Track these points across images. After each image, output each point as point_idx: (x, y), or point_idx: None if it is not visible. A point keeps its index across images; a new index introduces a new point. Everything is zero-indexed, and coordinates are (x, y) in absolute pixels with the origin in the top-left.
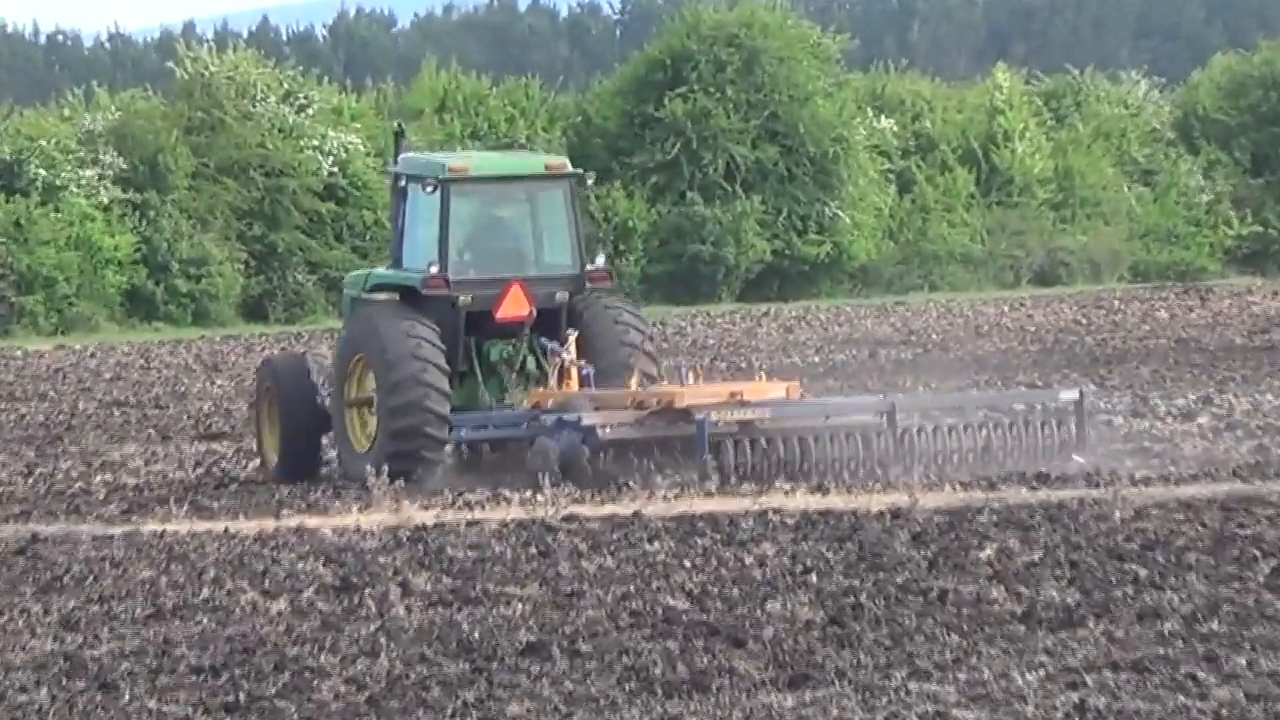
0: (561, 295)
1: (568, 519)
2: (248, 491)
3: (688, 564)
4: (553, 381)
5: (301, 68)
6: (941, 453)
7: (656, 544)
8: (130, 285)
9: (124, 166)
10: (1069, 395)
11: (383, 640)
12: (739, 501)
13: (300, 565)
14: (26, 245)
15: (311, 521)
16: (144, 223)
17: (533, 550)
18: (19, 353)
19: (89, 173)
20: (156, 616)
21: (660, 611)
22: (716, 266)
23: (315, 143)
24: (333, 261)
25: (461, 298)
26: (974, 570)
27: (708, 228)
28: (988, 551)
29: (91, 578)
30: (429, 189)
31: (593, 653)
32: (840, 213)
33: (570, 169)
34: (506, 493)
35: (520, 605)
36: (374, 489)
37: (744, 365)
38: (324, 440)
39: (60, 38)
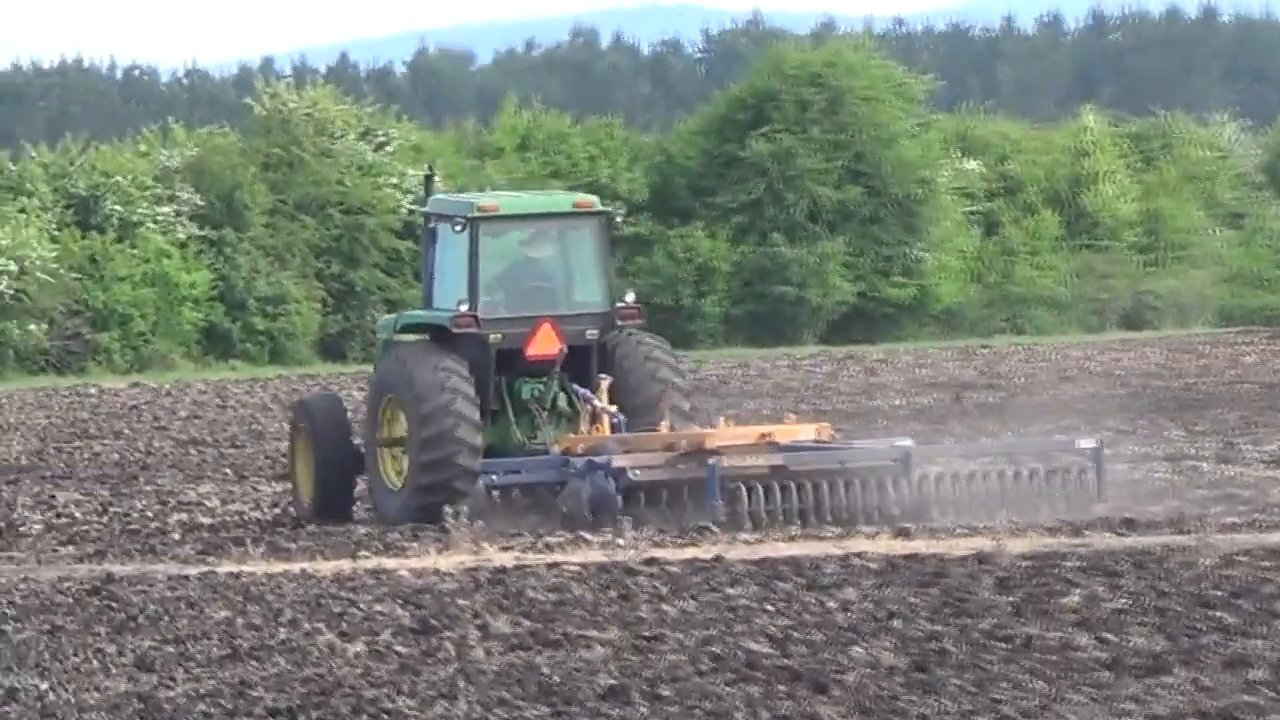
0: (592, 333)
1: (648, 562)
2: (325, 532)
3: (770, 608)
4: (584, 427)
5: (380, 104)
6: (957, 500)
7: (738, 588)
8: (207, 323)
9: (200, 203)
10: (1087, 444)
11: (461, 683)
12: (821, 545)
13: (378, 607)
14: (102, 282)
15: (389, 563)
16: (221, 260)
17: (613, 593)
18: (94, 390)
19: (165, 209)
20: (232, 658)
21: (742, 656)
22: (800, 308)
23: (394, 180)
24: (411, 300)
25: (492, 336)
26: (1060, 617)
27: (791, 269)
28: (1074, 597)
29: (166, 618)
30: (458, 228)
31: (674, 697)
32: (925, 255)
33: (599, 207)
34: (587, 535)
35: (600, 649)
36: (453, 530)
37: (827, 409)
38: (357, 481)
39: (137, 73)
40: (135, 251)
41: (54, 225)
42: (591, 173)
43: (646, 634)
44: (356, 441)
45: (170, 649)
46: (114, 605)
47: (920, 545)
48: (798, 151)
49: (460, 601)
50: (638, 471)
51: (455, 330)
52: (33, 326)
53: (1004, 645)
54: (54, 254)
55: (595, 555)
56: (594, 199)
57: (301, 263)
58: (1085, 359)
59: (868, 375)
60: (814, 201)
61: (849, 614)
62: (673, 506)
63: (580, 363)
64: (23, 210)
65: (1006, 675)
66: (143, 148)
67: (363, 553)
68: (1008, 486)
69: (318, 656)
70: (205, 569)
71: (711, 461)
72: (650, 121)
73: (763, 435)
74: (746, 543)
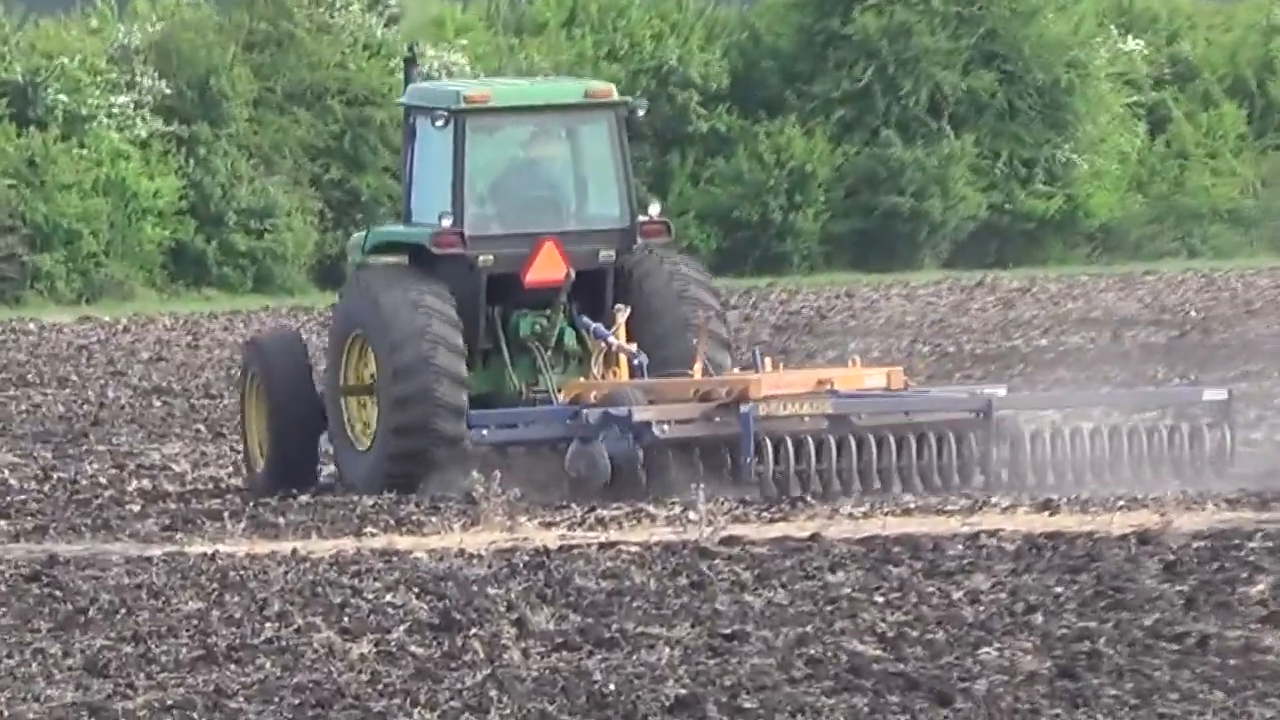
0: (607, 254)
1: (727, 541)
2: (322, 504)
3: (879, 600)
4: (596, 371)
5: None
6: (1049, 462)
7: (840, 574)
8: (174, 241)
9: (167, 91)
10: (1216, 395)
11: (492, 693)
12: (945, 521)
13: (388, 597)
14: (43, 190)
15: (403, 542)
16: (192, 163)
17: (683, 581)
18: (33, 326)
19: (123, 99)
20: (206, 660)
21: (845, 659)
22: (918, 224)
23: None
24: None
25: (481, 258)
26: (1242, 611)
27: (907, 175)
28: (1259, 587)
29: (124, 611)
30: (440, 123)
31: (759, 710)
32: (1075, 157)
33: (616, 96)
34: (651, 509)
35: (667, 650)
36: (482, 501)
37: (952, 349)
38: (323, 440)
39: None
40: (84, 152)
41: None
42: (657, 54)
43: (725, 631)
44: (321, 390)
45: (129, 649)
46: (58, 594)
47: (1067, 521)
48: (916, 28)
49: (491, 590)
50: (665, 427)
51: (435, 251)
52: None
53: (1172, 646)
54: None
55: (661, 533)
56: (610, 86)
57: (294, 166)
58: (1276, 288)
59: (1003, 308)
60: (936, 91)
61: (978, 607)
62: (709, 469)
63: (593, 291)
64: None
65: (1175, 683)
66: (94, 23)
67: (369, 529)
68: (1118, 446)
69: (313, 659)
70: (172, 549)
71: (745, 409)
72: None
73: (820, 381)
74: (851, 517)
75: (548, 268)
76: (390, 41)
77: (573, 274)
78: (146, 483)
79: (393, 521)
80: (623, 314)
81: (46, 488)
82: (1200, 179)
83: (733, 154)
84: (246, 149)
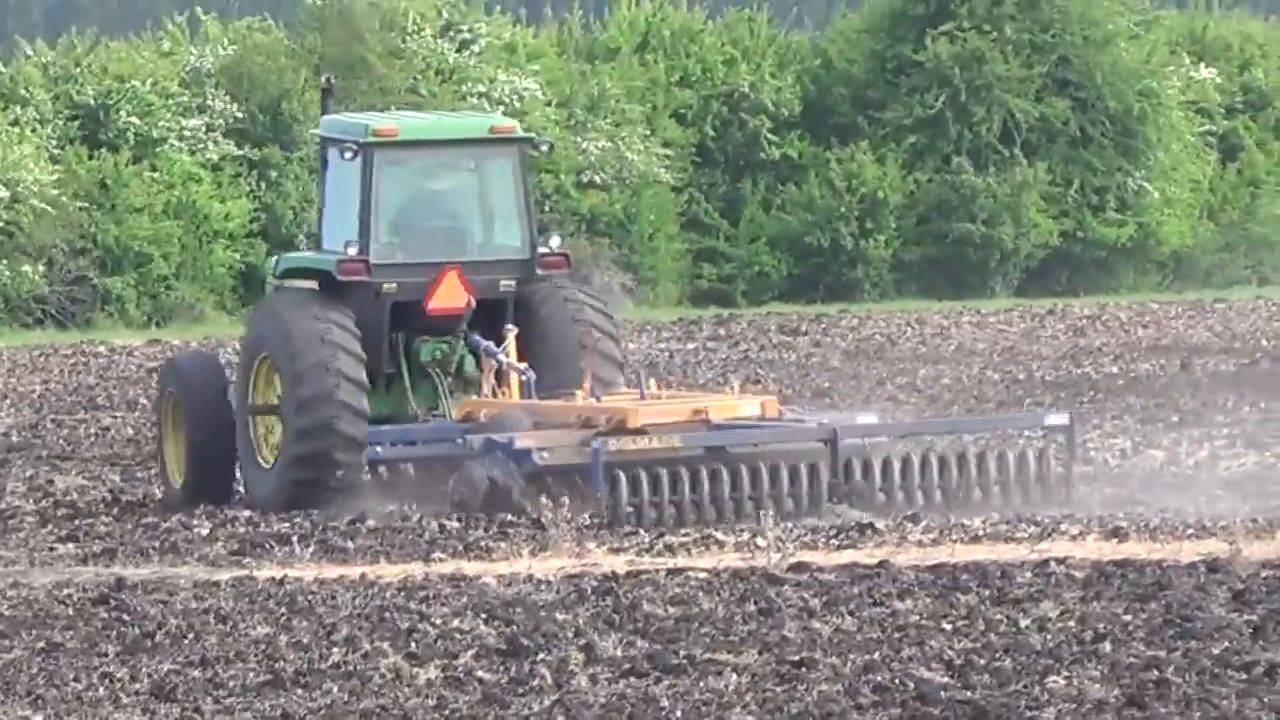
0: (507, 284)
1: (795, 568)
2: (390, 529)
3: (947, 627)
4: (486, 389)
5: None
6: (889, 490)
7: (908, 601)
8: (245, 265)
9: (239, 115)
10: (1057, 420)
11: (560, 718)
12: (1014, 549)
13: (456, 622)
14: (114, 213)
15: (471, 567)
16: (263, 186)
17: (751, 607)
18: (103, 349)
19: (194, 122)
20: (274, 685)
21: (912, 687)
22: (989, 251)
23: (481, 88)
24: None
25: (386, 285)
26: None
27: (979, 202)
28: None
29: (191, 635)
30: (348, 155)
31: None
32: (1147, 185)
33: (520, 132)
34: (718, 534)
35: (735, 677)
36: (550, 526)
37: (1022, 376)
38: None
39: None
40: (156, 175)
41: (54, 142)
42: (729, 79)
43: (793, 658)
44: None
45: (196, 673)
46: (126, 618)
47: (1136, 549)
48: (988, 55)
49: (559, 616)
50: (545, 454)
51: (341, 278)
52: (27, 268)
53: (1240, 675)
54: (54, 177)
55: (729, 559)
56: (514, 123)
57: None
58: None
59: (1074, 335)
60: (1008, 118)
61: (1046, 635)
62: (589, 496)
63: (493, 319)
64: (15, 123)
65: (1243, 712)
66: (166, 45)
67: (438, 554)
68: (953, 472)
69: (380, 684)
70: (240, 573)
71: (595, 445)
72: (803, 16)
73: (696, 411)
74: (920, 544)
75: (449, 296)
76: (462, 67)
77: (473, 302)
78: (214, 507)
79: (461, 547)
80: (512, 333)
81: (114, 511)
82: (1272, 207)
83: (804, 180)
84: (317, 173)
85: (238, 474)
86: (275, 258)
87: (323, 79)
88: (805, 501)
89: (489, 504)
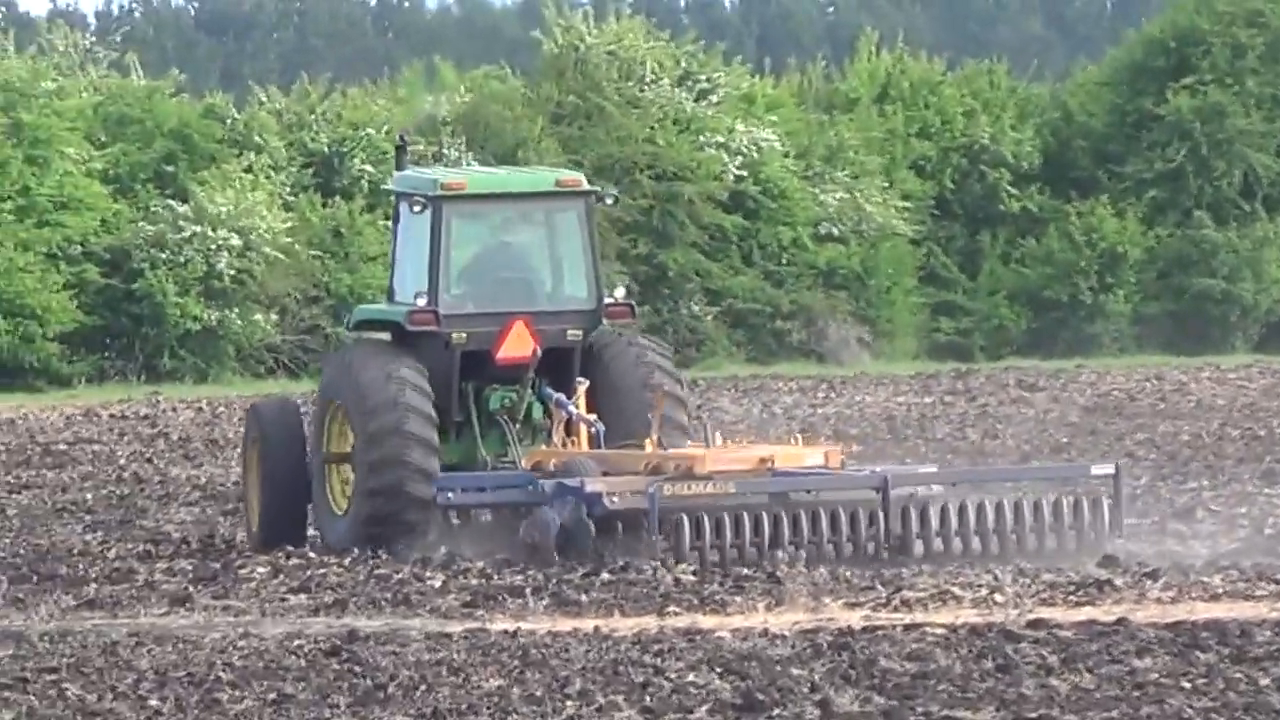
0: (574, 333)
1: (1034, 624)
2: (625, 581)
3: (1186, 685)
4: (556, 440)
5: (703, 42)
6: (945, 536)
7: (1146, 658)
8: None
9: (474, 163)
10: (1103, 469)
11: None
12: (1254, 607)
13: (691, 677)
14: (347, 261)
15: (706, 621)
16: None
17: (989, 664)
18: None
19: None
20: None
21: None
22: (1229, 307)
23: (720, 139)
24: (738, 289)
25: (455, 335)
26: None
27: (1219, 257)
28: None
29: (424, 687)
30: (418, 208)
31: None
32: None
33: (586, 185)
34: (956, 590)
35: None
36: (786, 581)
37: (1262, 433)
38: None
39: (396, 0)
40: (389, 224)
41: (288, 189)
42: (968, 131)
43: (1030, 716)
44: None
45: None
46: (357, 670)
47: None
48: (1230, 109)
49: (795, 671)
50: (615, 498)
51: (411, 328)
52: (259, 317)
53: None
54: (287, 225)
55: (967, 615)
56: (580, 176)
57: (600, 241)
58: None
59: None
60: (1249, 172)
61: None
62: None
63: (561, 368)
64: (249, 170)
65: None
66: (401, 92)
67: (672, 608)
68: (1007, 520)
69: None
70: (473, 625)
71: (651, 489)
72: (1043, 68)
73: (762, 460)
74: (1159, 602)
75: (517, 345)
76: (700, 117)
77: (540, 351)
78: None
79: (696, 600)
80: (583, 385)
81: (346, 562)
82: None
83: (1044, 234)
84: None
85: (310, 518)
86: (351, 309)
87: (397, 136)
88: (862, 548)
89: (560, 547)
